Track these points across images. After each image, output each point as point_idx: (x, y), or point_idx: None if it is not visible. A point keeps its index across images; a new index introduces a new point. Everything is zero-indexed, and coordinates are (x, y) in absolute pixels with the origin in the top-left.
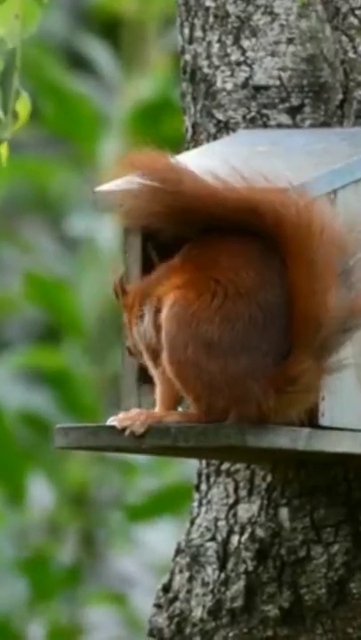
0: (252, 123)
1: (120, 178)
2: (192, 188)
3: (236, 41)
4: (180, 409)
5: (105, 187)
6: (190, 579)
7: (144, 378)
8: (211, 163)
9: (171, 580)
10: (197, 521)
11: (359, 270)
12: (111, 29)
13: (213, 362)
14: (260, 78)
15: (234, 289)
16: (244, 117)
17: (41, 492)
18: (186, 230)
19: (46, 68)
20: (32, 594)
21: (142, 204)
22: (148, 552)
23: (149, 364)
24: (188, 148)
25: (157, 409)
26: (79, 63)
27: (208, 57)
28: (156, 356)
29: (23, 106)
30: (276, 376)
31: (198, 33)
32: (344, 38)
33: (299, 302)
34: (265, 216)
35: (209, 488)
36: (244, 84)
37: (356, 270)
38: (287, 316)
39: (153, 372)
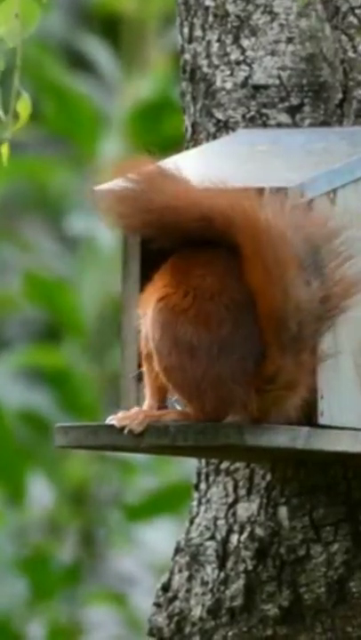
0: (251, 122)
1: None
2: (160, 203)
3: (236, 40)
4: (177, 406)
5: (104, 186)
6: (190, 578)
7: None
8: (216, 163)
9: (170, 580)
10: (197, 520)
11: (335, 259)
12: (111, 29)
13: (195, 365)
14: (259, 77)
15: (201, 293)
16: (243, 117)
17: (40, 491)
18: (168, 242)
19: (46, 68)
20: (32, 593)
21: (129, 212)
22: (148, 551)
23: (144, 362)
24: (187, 148)
25: (147, 403)
26: (79, 63)
27: (208, 56)
28: (147, 357)
29: (24, 106)
30: (255, 376)
31: (198, 32)
32: (344, 37)
33: (259, 301)
34: (215, 221)
35: (208, 487)
36: (244, 84)
37: (331, 260)
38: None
39: (145, 367)
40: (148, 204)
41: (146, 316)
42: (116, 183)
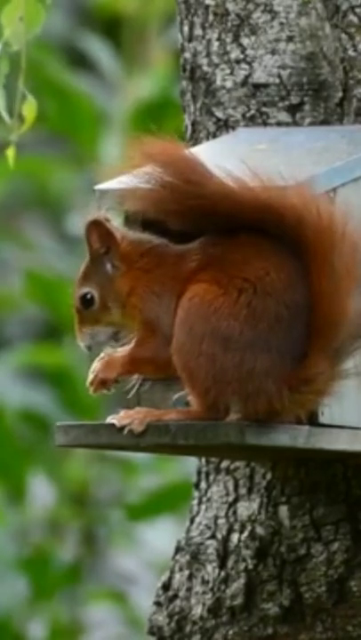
0: (251, 121)
1: (133, 169)
2: (215, 191)
3: (236, 39)
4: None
5: (105, 185)
6: (190, 577)
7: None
8: (218, 161)
9: (171, 579)
10: (197, 519)
11: None
12: (112, 28)
13: (230, 356)
14: (259, 76)
15: (263, 287)
16: (243, 115)
17: (42, 491)
18: (199, 227)
19: (47, 67)
20: (33, 592)
21: (156, 197)
22: (149, 550)
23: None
24: (187, 147)
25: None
26: (80, 62)
27: (208, 55)
28: (150, 333)
29: (30, 108)
30: (293, 376)
31: (198, 31)
32: (344, 36)
33: (321, 306)
34: (285, 216)
35: (209, 486)
36: (244, 82)
37: None
38: (309, 319)
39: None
40: (198, 190)
41: (183, 298)
42: (133, 176)
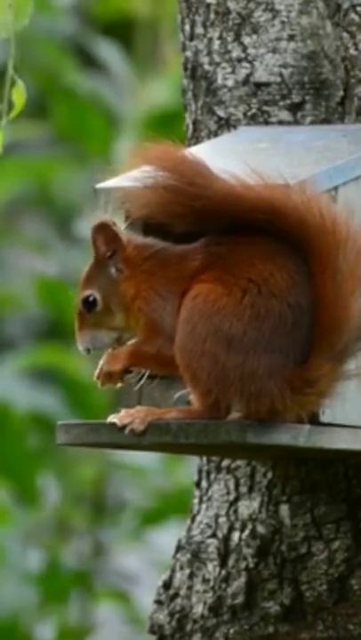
0: (252, 119)
1: (131, 170)
2: (218, 191)
3: (237, 38)
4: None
5: (107, 184)
6: (191, 575)
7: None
8: (219, 160)
9: (171, 577)
10: (198, 518)
11: None
12: (123, 31)
13: (232, 357)
14: (260, 75)
15: (267, 288)
16: (244, 114)
17: (51, 493)
18: (203, 228)
19: (58, 69)
20: (42, 596)
21: (160, 201)
22: (151, 549)
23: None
24: (189, 146)
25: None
26: (91, 64)
27: (209, 54)
28: (154, 334)
29: (18, 94)
30: (295, 377)
31: (199, 30)
32: (345, 35)
33: (324, 308)
34: (288, 217)
35: (210, 485)
36: (245, 81)
37: None
38: (312, 320)
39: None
40: (202, 191)
41: (186, 298)
42: (135, 176)
